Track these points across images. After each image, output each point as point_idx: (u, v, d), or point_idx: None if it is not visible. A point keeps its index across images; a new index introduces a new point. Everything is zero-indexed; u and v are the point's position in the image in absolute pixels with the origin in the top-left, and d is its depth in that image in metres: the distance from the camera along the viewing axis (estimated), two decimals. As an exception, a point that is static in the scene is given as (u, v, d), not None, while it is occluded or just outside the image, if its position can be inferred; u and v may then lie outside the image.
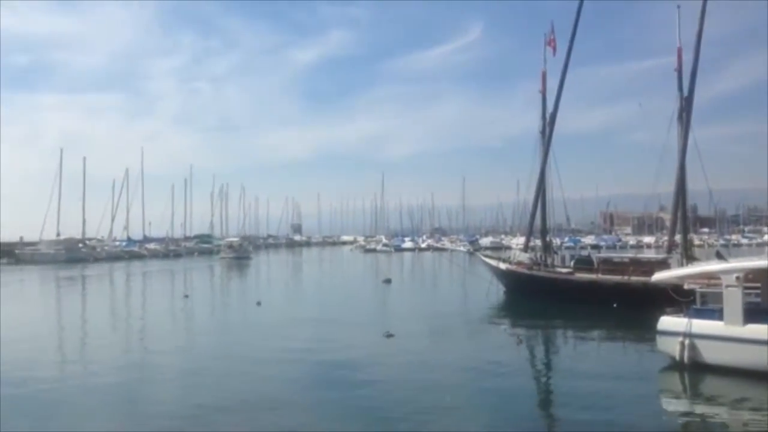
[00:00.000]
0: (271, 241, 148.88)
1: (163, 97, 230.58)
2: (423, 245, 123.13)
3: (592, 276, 32.11)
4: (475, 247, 64.29)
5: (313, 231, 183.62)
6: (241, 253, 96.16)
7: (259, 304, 34.07)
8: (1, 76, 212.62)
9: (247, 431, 12.61)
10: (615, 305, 27.54)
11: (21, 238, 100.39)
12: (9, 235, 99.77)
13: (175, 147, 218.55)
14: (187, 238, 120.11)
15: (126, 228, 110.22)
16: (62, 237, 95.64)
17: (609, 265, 33.18)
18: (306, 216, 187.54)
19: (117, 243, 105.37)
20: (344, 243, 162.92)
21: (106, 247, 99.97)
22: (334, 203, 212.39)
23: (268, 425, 12.76)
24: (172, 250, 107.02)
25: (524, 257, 38.01)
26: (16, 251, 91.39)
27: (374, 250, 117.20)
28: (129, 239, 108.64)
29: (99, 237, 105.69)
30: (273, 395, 15.17)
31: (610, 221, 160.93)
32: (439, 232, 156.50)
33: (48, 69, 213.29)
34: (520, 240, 53.34)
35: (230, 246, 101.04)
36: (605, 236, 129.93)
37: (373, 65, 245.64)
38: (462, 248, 66.98)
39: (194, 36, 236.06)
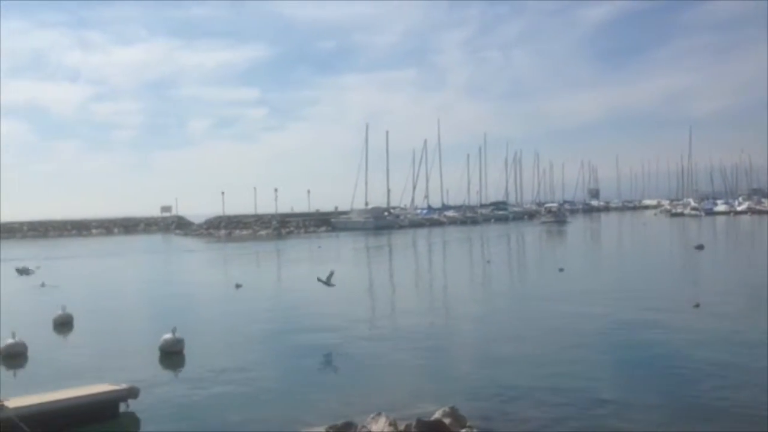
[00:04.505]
0: (567, 206, 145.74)
1: (454, 68, 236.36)
2: (739, 208, 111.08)
3: None
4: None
5: (612, 195, 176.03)
6: (560, 217, 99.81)
7: (561, 270, 33.32)
8: (310, 62, 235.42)
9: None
10: None
11: (336, 207, 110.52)
12: (325, 206, 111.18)
13: (468, 116, 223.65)
14: (482, 206, 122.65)
15: (426, 197, 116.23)
16: (370, 206, 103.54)
17: None
18: (603, 180, 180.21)
19: (418, 211, 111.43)
20: (646, 207, 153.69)
21: (408, 215, 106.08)
22: (634, 166, 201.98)
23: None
24: (469, 217, 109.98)
25: None
26: (332, 220, 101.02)
27: (681, 215, 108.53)
28: (429, 207, 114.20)
29: (402, 205, 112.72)
30: (571, 379, 14.14)
31: None
32: (758, 193, 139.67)
33: (350, 51, 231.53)
34: None
35: (549, 211, 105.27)
36: None
37: (669, 16, 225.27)
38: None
39: (481, 5, 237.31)
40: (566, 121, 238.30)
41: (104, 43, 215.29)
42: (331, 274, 20.66)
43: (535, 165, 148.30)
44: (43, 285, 31.65)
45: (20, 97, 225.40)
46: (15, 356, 16.36)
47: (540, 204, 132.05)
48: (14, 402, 10.47)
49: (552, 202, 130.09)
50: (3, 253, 65.26)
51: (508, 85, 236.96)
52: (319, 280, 20.77)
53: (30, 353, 16.65)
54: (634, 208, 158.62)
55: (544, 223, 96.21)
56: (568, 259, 41.39)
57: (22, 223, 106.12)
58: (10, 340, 16.54)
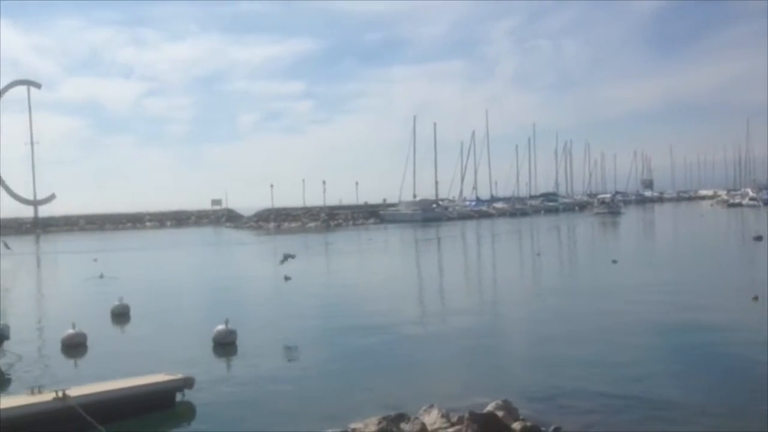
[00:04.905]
0: (619, 197, 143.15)
1: (502, 59, 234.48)
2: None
3: None
4: None
5: (666, 186, 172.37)
6: (613, 208, 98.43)
7: (615, 262, 32.75)
8: (357, 54, 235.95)
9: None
10: None
11: (384, 200, 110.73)
12: (374, 198, 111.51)
13: (517, 107, 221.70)
14: (532, 197, 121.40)
15: (475, 188, 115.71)
16: (418, 198, 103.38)
17: None
18: (657, 170, 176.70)
19: (467, 203, 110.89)
20: (702, 198, 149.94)
21: (457, 207, 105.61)
22: (689, 155, 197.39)
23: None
24: (518, 209, 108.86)
25: None
26: (380, 212, 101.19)
27: (739, 205, 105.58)
28: (478, 199, 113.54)
29: (450, 197, 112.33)
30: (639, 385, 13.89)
31: None
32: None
33: (397, 43, 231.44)
34: None
35: (603, 202, 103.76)
36: None
37: (722, 3, 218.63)
38: None
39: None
40: (617, 111, 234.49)
41: (156, 40, 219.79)
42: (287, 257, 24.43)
43: (586, 155, 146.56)
44: (101, 276, 32.48)
45: (77, 94, 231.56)
46: (75, 346, 16.82)
47: (591, 195, 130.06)
48: (76, 391, 10.75)
49: (604, 192, 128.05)
50: (62, 245, 67.34)
51: (557, 75, 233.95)
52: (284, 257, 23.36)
53: (89, 343, 17.10)
54: (690, 199, 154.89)
55: (597, 214, 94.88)
56: (622, 251, 40.61)
57: (79, 217, 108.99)
58: (70, 331, 17.01)
